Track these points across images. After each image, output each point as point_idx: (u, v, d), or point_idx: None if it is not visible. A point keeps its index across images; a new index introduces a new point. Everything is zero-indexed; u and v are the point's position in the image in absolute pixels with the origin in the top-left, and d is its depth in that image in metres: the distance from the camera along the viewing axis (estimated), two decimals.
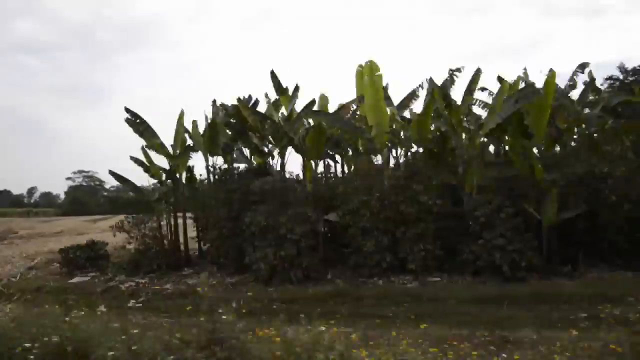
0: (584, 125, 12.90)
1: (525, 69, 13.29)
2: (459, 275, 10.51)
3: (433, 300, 9.15)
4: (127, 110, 14.03)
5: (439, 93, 10.53)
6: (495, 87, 12.29)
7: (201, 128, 13.93)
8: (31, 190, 70.52)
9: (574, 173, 10.39)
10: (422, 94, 12.61)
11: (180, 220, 13.68)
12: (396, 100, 12.96)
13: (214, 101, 13.33)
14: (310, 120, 12.29)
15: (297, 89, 12.94)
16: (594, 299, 8.37)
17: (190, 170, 13.81)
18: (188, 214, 14.00)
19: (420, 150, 11.96)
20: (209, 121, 12.81)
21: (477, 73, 11.92)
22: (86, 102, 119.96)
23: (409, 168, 11.46)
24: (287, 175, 12.70)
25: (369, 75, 10.67)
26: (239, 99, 11.88)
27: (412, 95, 12.90)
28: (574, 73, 12.41)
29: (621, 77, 17.75)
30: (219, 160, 13.53)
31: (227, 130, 12.73)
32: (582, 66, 12.32)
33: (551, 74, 9.92)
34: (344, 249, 11.14)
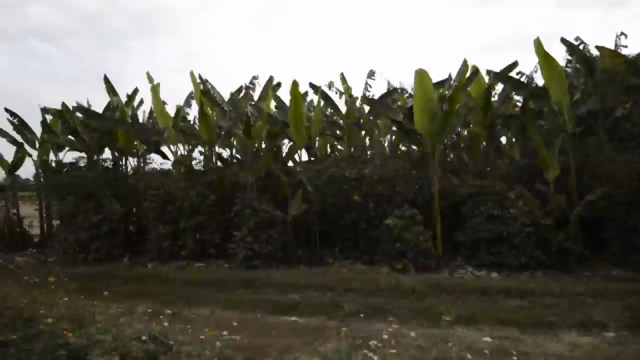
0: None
1: (342, 74, 14.26)
2: (229, 262, 11.93)
3: (169, 280, 10.61)
4: (7, 110, 16.01)
5: (207, 97, 11.85)
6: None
7: None
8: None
9: (321, 175, 11.50)
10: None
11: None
12: None
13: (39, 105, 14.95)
14: None
15: (136, 90, 14.51)
16: (303, 287, 9.50)
17: (45, 163, 15.68)
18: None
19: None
20: (40, 122, 14.53)
21: (270, 80, 13.09)
22: (98, 89, 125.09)
23: (187, 166, 12.88)
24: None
25: (150, 84, 12.11)
26: (63, 104, 13.58)
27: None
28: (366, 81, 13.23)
29: None
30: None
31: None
32: (371, 73, 13.15)
33: (293, 85, 10.96)
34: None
